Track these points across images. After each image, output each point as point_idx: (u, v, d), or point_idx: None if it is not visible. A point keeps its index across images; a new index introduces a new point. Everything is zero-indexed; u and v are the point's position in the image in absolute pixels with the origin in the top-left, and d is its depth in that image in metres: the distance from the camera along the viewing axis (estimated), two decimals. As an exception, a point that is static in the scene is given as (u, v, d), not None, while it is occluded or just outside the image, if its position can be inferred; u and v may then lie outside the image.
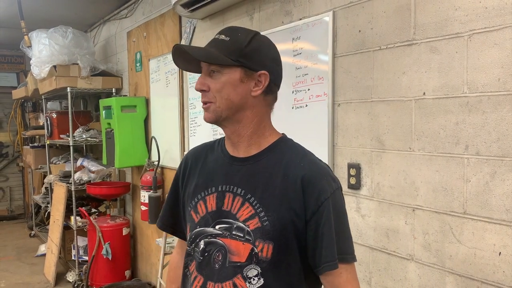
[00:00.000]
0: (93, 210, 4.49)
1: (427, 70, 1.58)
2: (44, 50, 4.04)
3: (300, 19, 2.11)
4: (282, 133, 1.23)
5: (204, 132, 2.97)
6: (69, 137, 4.21)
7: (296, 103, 2.14)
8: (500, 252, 1.40)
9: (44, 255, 4.79)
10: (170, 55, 3.33)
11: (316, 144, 2.02)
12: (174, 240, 2.54)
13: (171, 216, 1.33)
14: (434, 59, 1.56)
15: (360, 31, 1.82)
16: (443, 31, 1.53)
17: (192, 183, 1.24)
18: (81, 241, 4.40)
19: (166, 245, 2.71)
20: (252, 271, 1.10)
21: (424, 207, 1.62)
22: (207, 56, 1.10)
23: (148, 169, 3.69)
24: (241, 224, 1.10)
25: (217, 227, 1.14)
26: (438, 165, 1.56)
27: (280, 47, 2.20)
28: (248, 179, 1.14)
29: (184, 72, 3.22)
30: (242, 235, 1.10)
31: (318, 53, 2.00)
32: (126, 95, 4.23)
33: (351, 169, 1.87)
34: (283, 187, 1.10)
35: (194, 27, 3.04)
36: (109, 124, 3.87)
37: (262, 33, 2.30)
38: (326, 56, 1.95)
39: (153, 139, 3.58)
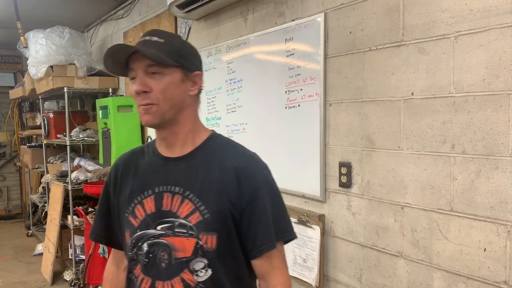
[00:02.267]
0: (90, 209, 4.50)
1: (415, 70, 1.62)
2: (41, 50, 4.06)
3: (293, 20, 2.14)
4: (212, 129, 1.28)
5: (200, 132, 3.00)
6: (66, 136, 4.23)
7: (289, 103, 2.17)
8: (485, 249, 1.43)
9: (41, 254, 4.81)
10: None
11: (308, 143, 2.05)
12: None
13: (104, 227, 1.32)
14: (422, 59, 1.59)
15: (351, 32, 1.85)
16: (431, 32, 1.56)
17: (126, 189, 1.24)
18: (78, 240, 4.42)
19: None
20: (199, 264, 1.14)
21: (412, 204, 1.66)
22: (157, 56, 1.10)
23: (144, 168, 3.72)
24: (183, 221, 1.14)
25: (158, 227, 1.16)
26: (426, 163, 1.60)
27: (273, 47, 2.26)
28: (185, 176, 1.17)
29: (179, 72, 3.25)
30: (185, 231, 1.13)
31: (310, 53, 2.04)
32: (123, 95, 4.25)
33: (342, 167, 1.91)
34: (219, 180, 1.15)
35: (190, 28, 3.07)
36: (105, 123, 3.90)
37: (256, 34, 2.39)
38: (318, 56, 1.98)
39: (149, 138, 3.60)
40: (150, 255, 1.16)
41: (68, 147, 4.25)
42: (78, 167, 4.54)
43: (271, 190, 1.20)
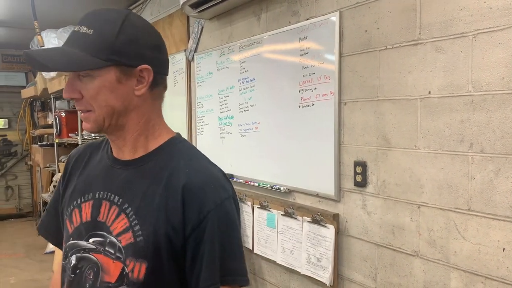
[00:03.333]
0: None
1: (432, 69, 1.61)
2: (53, 50, 4.10)
3: (307, 19, 2.14)
4: (176, 132, 1.08)
5: (212, 131, 3.01)
6: (77, 135, 4.27)
7: (302, 102, 2.17)
8: (504, 248, 1.42)
9: (53, 252, 4.85)
10: (178, 55, 3.39)
11: (322, 142, 2.05)
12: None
13: (56, 224, 1.12)
14: (439, 58, 1.59)
15: (366, 31, 1.85)
16: (448, 31, 1.55)
17: (70, 187, 1.08)
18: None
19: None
20: None
21: (429, 204, 1.65)
22: (65, 64, 0.90)
23: (155, 167, 3.74)
24: (114, 239, 0.95)
25: (91, 240, 0.98)
26: (443, 162, 1.59)
27: (286, 46, 2.26)
28: (128, 185, 0.98)
29: (192, 71, 3.26)
30: (113, 251, 0.94)
31: (324, 52, 2.03)
32: (134, 94, 4.28)
33: (357, 167, 1.90)
34: (163, 196, 0.94)
35: (202, 27, 3.08)
36: (117, 123, 3.92)
37: (269, 33, 2.38)
38: (332, 55, 1.98)
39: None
40: (77, 271, 0.99)
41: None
42: (90, 166, 4.57)
43: (224, 218, 0.95)
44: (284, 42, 2.29)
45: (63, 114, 4.72)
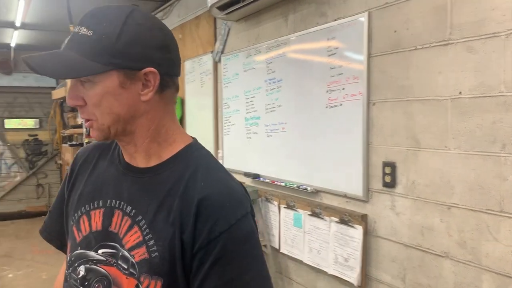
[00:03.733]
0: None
1: (463, 69, 1.60)
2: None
3: (335, 19, 2.15)
4: (193, 138, 0.98)
5: (238, 131, 3.04)
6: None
7: (330, 102, 2.18)
8: (537, 250, 1.41)
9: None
10: (205, 56, 3.44)
11: (350, 143, 2.06)
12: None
13: (60, 226, 1.05)
14: (470, 58, 1.58)
15: (395, 31, 1.85)
16: (480, 31, 1.54)
17: (77, 190, 0.99)
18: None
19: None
20: None
21: (459, 205, 1.64)
22: (62, 70, 0.83)
23: (182, 167, 3.80)
24: (126, 253, 0.88)
25: (100, 251, 0.91)
26: (475, 163, 1.58)
27: (314, 47, 2.27)
28: (142, 195, 0.90)
29: (218, 72, 3.30)
30: (126, 266, 0.87)
31: (353, 53, 2.04)
32: (161, 95, 4.35)
33: (386, 167, 1.90)
34: (178, 209, 0.85)
35: (229, 29, 3.12)
36: (145, 123, 4.00)
37: (297, 34, 2.40)
38: (361, 56, 1.99)
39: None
40: (86, 283, 0.91)
41: (109, 146, 4.38)
42: (118, 165, 4.67)
43: (242, 241, 0.84)
44: (311, 43, 2.30)
45: (92, 115, 4.84)
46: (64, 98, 6.00)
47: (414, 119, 1.79)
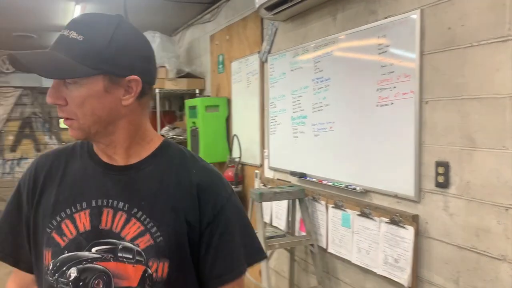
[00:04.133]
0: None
1: (523, 66, 1.54)
2: (135, 54, 4.38)
3: (386, 17, 2.12)
4: (162, 135, 1.09)
5: (284, 130, 3.06)
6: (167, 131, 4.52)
7: (380, 101, 2.15)
8: None
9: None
10: (252, 57, 3.49)
11: (401, 142, 2.03)
12: (258, 232, 2.66)
13: (12, 243, 1.05)
14: (531, 54, 1.52)
15: (449, 28, 1.80)
16: (542, 25, 1.48)
17: (49, 199, 1.00)
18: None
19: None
20: None
21: (519, 206, 1.58)
22: (52, 70, 0.87)
23: (229, 165, 3.86)
24: (128, 244, 0.94)
25: (94, 249, 0.95)
26: (536, 163, 1.52)
27: (363, 46, 2.25)
28: (132, 191, 0.97)
29: (265, 72, 3.34)
30: (131, 256, 0.94)
31: (404, 51, 2.01)
32: (209, 96, 4.44)
33: (439, 167, 1.86)
34: (176, 196, 0.98)
35: (276, 29, 3.14)
36: (193, 122, 4.11)
37: (345, 32, 2.39)
38: (413, 53, 1.95)
39: (235, 137, 3.74)
40: (80, 283, 0.94)
41: (158, 145, 4.53)
42: (167, 163, 4.82)
43: (237, 209, 1.04)
44: (361, 41, 2.29)
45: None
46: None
47: (469, 117, 1.74)
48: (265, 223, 3.07)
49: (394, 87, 2.06)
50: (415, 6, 1.96)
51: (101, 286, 0.94)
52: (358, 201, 2.35)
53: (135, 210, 0.96)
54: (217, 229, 0.98)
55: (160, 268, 0.95)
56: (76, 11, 4.40)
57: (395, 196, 2.10)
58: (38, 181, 1.03)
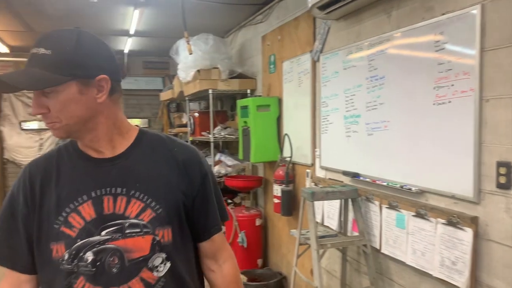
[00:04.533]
0: (229, 201, 4.87)
1: None
2: (189, 56, 4.50)
3: (443, 14, 2.07)
4: (136, 125, 1.24)
5: (337, 130, 3.05)
6: (209, 134, 4.64)
7: (437, 99, 2.10)
8: None
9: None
10: (304, 56, 3.50)
11: (460, 142, 1.97)
12: (309, 231, 2.68)
13: (8, 247, 1.16)
14: None
15: (513, 23, 1.73)
16: None
17: (50, 199, 1.12)
18: (219, 229, 4.80)
19: (301, 236, 2.85)
20: (157, 260, 1.13)
21: None
22: (32, 83, 1.00)
23: (280, 164, 3.89)
24: (134, 220, 1.11)
25: (103, 233, 1.10)
26: None
27: (420, 43, 2.21)
28: (125, 176, 1.13)
29: (317, 72, 3.34)
30: (138, 230, 1.11)
31: (463, 47, 1.95)
32: (260, 96, 4.50)
33: (501, 167, 1.79)
34: (166, 173, 1.17)
35: (329, 28, 3.13)
36: (245, 122, 4.17)
37: (400, 30, 2.35)
38: (472, 50, 1.89)
39: (286, 136, 3.77)
40: (98, 263, 1.09)
41: (211, 144, 4.65)
42: (219, 162, 4.93)
43: (212, 178, 1.28)
44: (416, 39, 2.24)
45: (196, 115, 5.16)
46: (171, 100, 6.47)
47: (535, 116, 1.66)
48: (317, 222, 3.07)
49: (452, 85, 2.00)
50: (475, 1, 1.89)
51: (116, 262, 1.10)
52: (414, 201, 2.30)
53: (133, 191, 1.13)
54: (204, 194, 1.22)
55: (165, 234, 1.14)
56: (135, 15, 4.60)
57: (453, 196, 2.04)
58: (34, 186, 1.14)
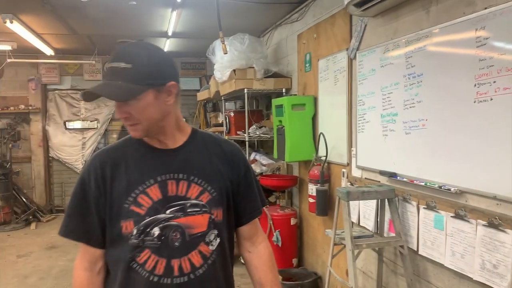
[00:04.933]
0: (264, 200, 4.88)
1: None
2: (225, 56, 4.55)
3: (485, 8, 2.00)
4: (189, 124, 1.45)
5: (373, 128, 3.00)
6: (245, 133, 4.67)
7: (478, 97, 2.03)
8: None
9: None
10: (340, 54, 3.47)
11: (502, 140, 1.90)
12: (344, 231, 2.65)
13: (83, 225, 1.32)
14: None
15: (560, 15, 1.65)
16: None
17: (120, 182, 1.30)
18: (254, 228, 4.82)
19: (336, 236, 2.83)
20: (211, 235, 1.33)
21: None
22: (121, 93, 1.20)
23: (315, 163, 3.86)
24: (195, 201, 1.31)
25: (168, 211, 1.29)
26: None
27: (460, 39, 2.14)
28: (185, 164, 1.34)
29: (353, 69, 3.30)
30: (198, 209, 1.31)
31: (506, 43, 1.87)
32: (295, 94, 4.48)
33: (546, 167, 1.71)
34: (216, 163, 1.38)
35: (365, 25, 3.09)
36: (280, 121, 4.17)
37: (440, 26, 2.29)
38: (516, 45, 1.81)
39: (321, 135, 3.74)
40: (162, 238, 1.27)
41: (246, 143, 4.68)
42: (254, 161, 4.96)
43: (252, 169, 1.49)
44: (457, 34, 2.17)
45: (232, 114, 5.21)
46: (207, 99, 6.56)
47: None
48: (352, 222, 3.03)
49: (494, 82, 1.93)
50: (520, -7, 1.81)
51: (178, 237, 1.29)
52: (453, 202, 2.23)
53: (192, 177, 1.33)
54: (246, 182, 1.43)
55: (219, 214, 1.35)
56: (173, 17, 4.70)
57: (494, 197, 1.96)
58: (105, 172, 1.32)
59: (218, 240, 1.35)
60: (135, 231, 1.27)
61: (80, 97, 1.48)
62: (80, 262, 1.35)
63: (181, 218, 1.29)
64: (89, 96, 1.25)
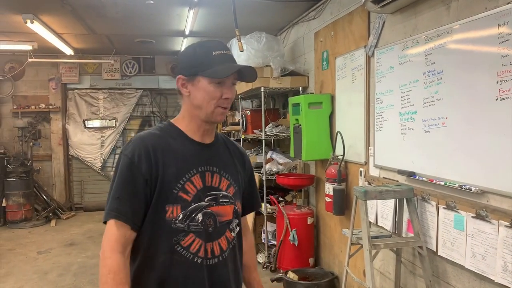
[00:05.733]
0: (280, 198, 4.86)
1: None
2: (242, 55, 4.53)
3: (508, 3, 1.94)
4: None
5: (392, 127, 2.95)
6: (261, 132, 4.65)
7: (500, 94, 1.98)
8: None
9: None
10: (357, 52, 3.43)
11: (526, 139, 1.84)
12: (362, 231, 2.61)
13: (132, 209, 1.34)
14: None
15: None
16: None
17: (170, 168, 1.38)
18: (270, 227, 4.82)
19: (353, 235, 2.79)
20: (234, 224, 1.50)
21: None
22: (255, 76, 1.46)
23: (332, 162, 3.83)
24: (225, 192, 1.47)
25: (206, 199, 1.42)
26: None
27: (481, 35, 2.10)
28: (216, 159, 1.48)
29: (371, 67, 3.25)
30: (227, 200, 1.47)
31: (530, 38, 1.82)
32: (312, 93, 4.45)
33: None
34: (235, 162, 1.55)
35: (384, 22, 3.04)
36: (296, 120, 4.15)
37: (460, 22, 2.25)
38: (541, 41, 1.76)
39: (338, 134, 3.70)
40: (203, 223, 1.40)
41: (263, 141, 4.66)
42: (271, 159, 4.94)
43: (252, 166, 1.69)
44: (478, 31, 2.12)
45: (248, 113, 5.20)
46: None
47: None
48: (370, 222, 2.99)
49: (518, 78, 1.87)
50: (545, -13, 1.76)
51: (212, 223, 1.42)
52: (474, 202, 2.18)
53: (222, 171, 1.48)
54: (250, 179, 1.64)
55: (239, 205, 1.54)
56: (190, 16, 4.71)
57: (518, 198, 1.91)
58: (157, 158, 1.37)
59: (238, 228, 1.52)
60: (181, 216, 1.37)
61: (227, 74, 1.39)
62: (116, 245, 1.31)
63: (214, 207, 1.43)
64: (240, 74, 1.43)
